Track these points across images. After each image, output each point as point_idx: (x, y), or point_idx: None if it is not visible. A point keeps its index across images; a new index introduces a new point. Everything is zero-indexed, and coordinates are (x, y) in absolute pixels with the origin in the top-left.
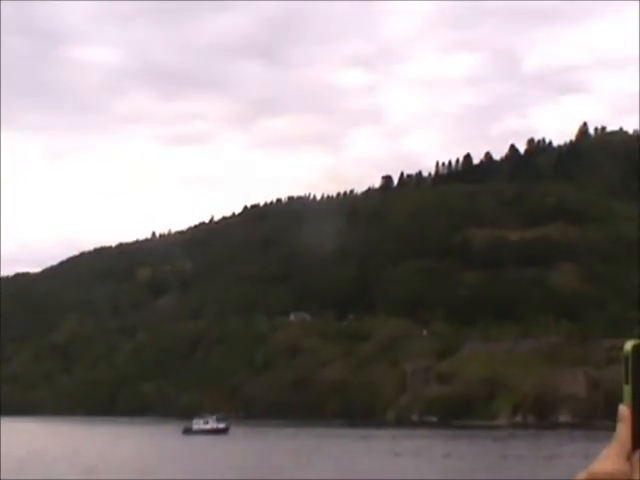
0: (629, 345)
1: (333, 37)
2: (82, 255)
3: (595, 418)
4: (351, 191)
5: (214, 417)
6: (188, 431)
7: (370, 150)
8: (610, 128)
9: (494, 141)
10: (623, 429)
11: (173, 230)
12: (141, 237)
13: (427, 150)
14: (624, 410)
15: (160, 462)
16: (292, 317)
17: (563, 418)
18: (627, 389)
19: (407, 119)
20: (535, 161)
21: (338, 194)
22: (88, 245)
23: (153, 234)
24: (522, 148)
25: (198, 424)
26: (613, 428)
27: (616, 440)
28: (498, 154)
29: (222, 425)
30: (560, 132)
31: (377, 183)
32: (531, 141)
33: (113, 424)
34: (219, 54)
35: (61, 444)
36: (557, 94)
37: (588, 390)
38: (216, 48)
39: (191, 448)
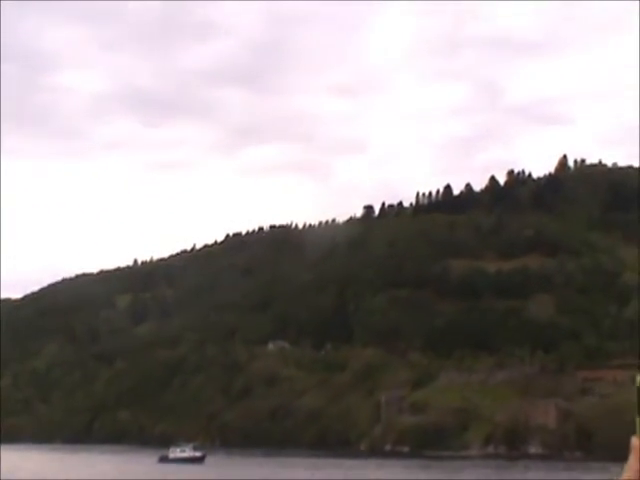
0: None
1: (318, 66)
2: (63, 281)
3: (565, 449)
4: (333, 220)
5: (190, 445)
6: (164, 459)
7: (354, 179)
8: (590, 161)
9: (477, 171)
10: (633, 460)
11: (155, 257)
12: (122, 264)
13: (411, 179)
14: (635, 441)
15: None
16: (270, 346)
17: (534, 449)
18: (638, 421)
19: (391, 148)
20: (514, 193)
21: (320, 223)
22: (69, 271)
23: (135, 261)
24: (502, 179)
25: (174, 452)
26: (583, 459)
27: (627, 471)
28: (481, 184)
29: (198, 454)
30: (541, 164)
31: (359, 212)
32: (511, 172)
33: (90, 452)
34: (203, 81)
35: (37, 472)
36: (539, 125)
37: (559, 421)
38: (200, 75)
39: (167, 476)
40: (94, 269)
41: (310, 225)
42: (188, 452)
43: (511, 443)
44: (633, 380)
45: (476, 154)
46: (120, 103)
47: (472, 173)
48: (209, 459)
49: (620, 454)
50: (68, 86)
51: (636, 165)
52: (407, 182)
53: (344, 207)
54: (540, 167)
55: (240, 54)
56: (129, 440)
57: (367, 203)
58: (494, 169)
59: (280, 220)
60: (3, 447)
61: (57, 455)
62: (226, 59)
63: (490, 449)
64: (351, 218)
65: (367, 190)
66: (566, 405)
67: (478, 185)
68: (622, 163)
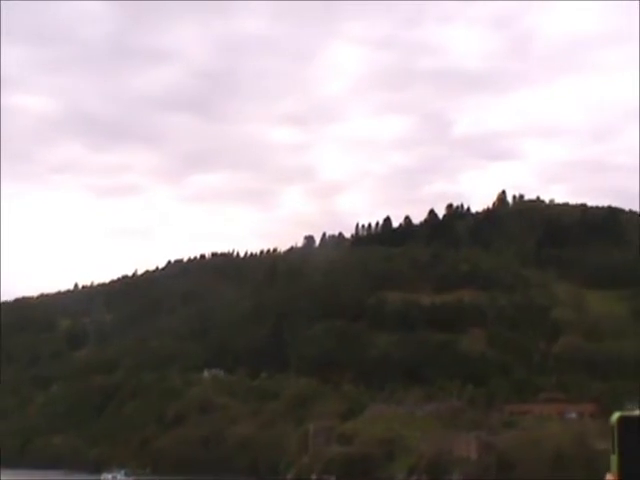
0: (615, 417)
1: (268, 94)
2: (4, 304)
3: None
4: (274, 249)
5: (122, 471)
6: None
7: (300, 208)
8: (528, 197)
9: (423, 203)
10: None
11: (96, 282)
12: (63, 288)
13: (356, 210)
14: (609, 478)
15: None
16: (206, 373)
17: (456, 479)
18: (613, 459)
19: (338, 178)
20: (452, 227)
21: (261, 252)
22: (10, 294)
23: (75, 285)
24: (442, 213)
25: (107, 478)
26: None
27: None
28: (423, 217)
29: (130, 479)
30: (483, 198)
31: (301, 242)
32: (450, 206)
33: (22, 476)
34: (152, 106)
35: None
36: (484, 160)
37: (480, 453)
38: (149, 100)
39: None
40: (35, 293)
41: (252, 254)
42: (120, 478)
43: (434, 473)
44: (559, 414)
45: (422, 186)
46: (67, 126)
47: (417, 205)
48: None
49: None
50: (14, 108)
51: (572, 202)
52: (352, 212)
53: (288, 236)
54: (481, 201)
55: (189, 81)
56: (62, 465)
57: (310, 233)
58: (439, 202)
59: (223, 248)
60: None
61: None
62: (175, 85)
63: (414, 479)
64: (292, 248)
65: (312, 220)
66: (488, 438)
67: (420, 217)
68: (560, 200)
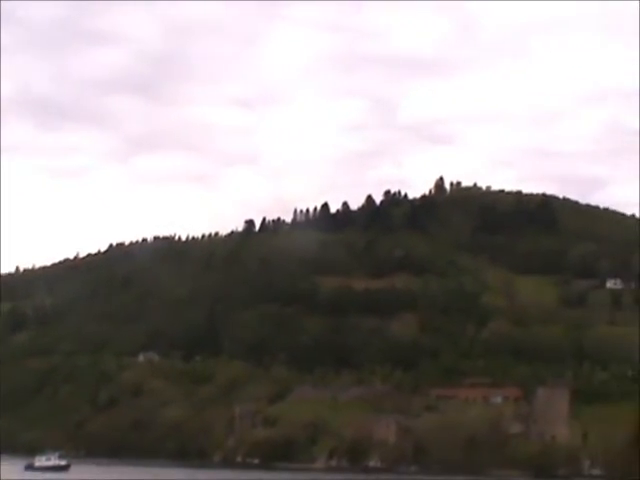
0: None
1: (214, 77)
2: None
3: (402, 463)
4: (216, 233)
5: (56, 454)
6: (30, 467)
7: (244, 191)
8: (466, 183)
9: (368, 188)
10: None
11: (37, 265)
12: (4, 271)
13: (300, 194)
14: None
15: None
16: (141, 357)
17: (373, 463)
18: None
19: (283, 162)
20: (389, 213)
21: (203, 236)
22: None
23: (17, 268)
24: (380, 199)
25: (40, 461)
26: (416, 473)
27: None
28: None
29: (63, 462)
30: (426, 183)
31: (242, 226)
32: (387, 193)
33: None
34: (100, 89)
35: None
36: (429, 145)
37: (398, 437)
38: (96, 82)
39: None
40: None
41: (193, 237)
42: (53, 460)
43: (353, 457)
44: (484, 398)
45: (368, 171)
46: (14, 107)
47: (364, 189)
48: (74, 468)
49: (451, 468)
50: None
51: (508, 189)
52: (298, 197)
53: (230, 220)
54: (426, 187)
55: (137, 64)
56: None
57: (255, 216)
58: (385, 186)
59: (165, 231)
60: None
61: None
62: (123, 68)
63: (334, 462)
64: (232, 232)
65: (256, 203)
66: (407, 422)
67: (360, 203)
68: (496, 187)
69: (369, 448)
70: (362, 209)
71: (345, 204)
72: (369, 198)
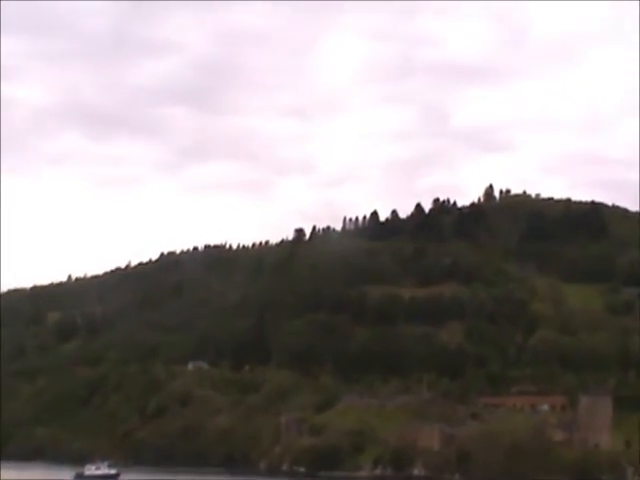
0: None
1: (267, 86)
2: None
3: (446, 471)
4: (266, 242)
5: (106, 463)
6: (80, 476)
7: (297, 200)
8: (517, 190)
9: (419, 196)
10: None
11: (89, 274)
12: (56, 280)
13: (354, 202)
14: None
15: None
16: (190, 366)
17: (417, 471)
18: None
19: (336, 170)
20: (438, 221)
21: (253, 244)
22: (1, 286)
23: (69, 277)
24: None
25: (90, 469)
26: None
27: None
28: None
29: (113, 471)
30: (470, 192)
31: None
32: (436, 201)
33: (6, 468)
34: (150, 98)
35: None
36: (481, 152)
37: (442, 445)
38: (148, 92)
39: None
40: (28, 284)
41: (244, 246)
42: (103, 469)
43: (398, 465)
44: (531, 407)
45: (420, 178)
46: (65, 117)
47: (415, 197)
48: (123, 476)
49: (494, 475)
50: (12, 98)
51: (557, 197)
52: (349, 205)
53: (282, 229)
54: (471, 195)
55: (189, 73)
56: (46, 457)
57: (305, 225)
58: (437, 194)
59: (216, 240)
60: None
61: None
62: (174, 77)
63: (378, 470)
64: (282, 241)
65: (310, 212)
66: (451, 430)
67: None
68: (546, 194)
69: (413, 456)
70: (411, 217)
71: (394, 212)
72: (418, 206)
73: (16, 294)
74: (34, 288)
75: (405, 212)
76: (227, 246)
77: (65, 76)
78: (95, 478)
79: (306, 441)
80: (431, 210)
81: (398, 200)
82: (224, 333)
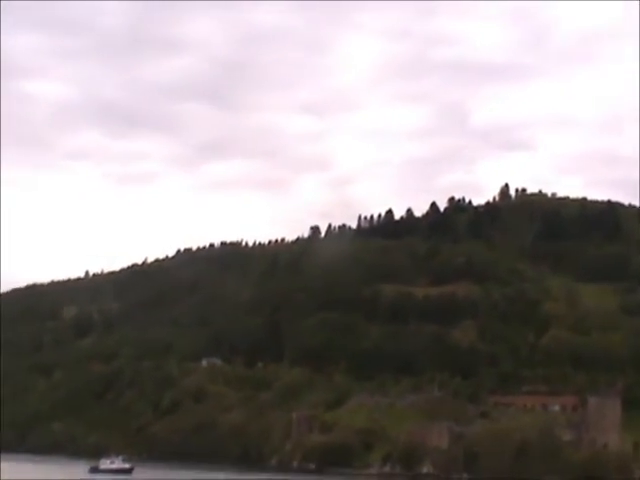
0: None
1: (284, 83)
2: (13, 291)
3: (453, 470)
4: (282, 239)
5: (120, 457)
6: (95, 470)
7: (313, 197)
8: (534, 189)
9: (436, 194)
10: None
11: (106, 270)
12: (73, 276)
13: (370, 200)
14: None
15: None
16: (204, 362)
17: (426, 469)
18: None
19: (352, 168)
20: (453, 220)
21: (269, 242)
22: (21, 281)
23: (86, 273)
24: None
25: (105, 464)
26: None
27: None
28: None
29: (127, 465)
30: (486, 191)
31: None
32: (451, 199)
33: (22, 462)
34: (168, 95)
35: None
36: (499, 151)
37: (450, 444)
38: (166, 89)
39: None
40: (46, 279)
41: (259, 243)
42: (117, 464)
43: (407, 463)
44: (542, 406)
45: (437, 177)
46: (84, 114)
47: (432, 196)
48: (137, 471)
49: (502, 475)
50: (31, 94)
51: (573, 196)
52: (365, 203)
53: (298, 226)
54: (488, 194)
55: (206, 70)
56: (61, 451)
57: (321, 223)
58: (451, 192)
59: (232, 237)
60: None
61: None
62: (192, 74)
63: (387, 468)
64: (298, 238)
65: (325, 210)
66: (459, 429)
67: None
68: (562, 193)
69: (422, 455)
70: (426, 216)
71: (409, 211)
72: (433, 205)
73: (34, 289)
74: (51, 283)
75: (420, 211)
76: (243, 243)
77: (85, 73)
78: (110, 472)
79: (316, 438)
80: (446, 209)
81: (413, 198)
82: (238, 330)
